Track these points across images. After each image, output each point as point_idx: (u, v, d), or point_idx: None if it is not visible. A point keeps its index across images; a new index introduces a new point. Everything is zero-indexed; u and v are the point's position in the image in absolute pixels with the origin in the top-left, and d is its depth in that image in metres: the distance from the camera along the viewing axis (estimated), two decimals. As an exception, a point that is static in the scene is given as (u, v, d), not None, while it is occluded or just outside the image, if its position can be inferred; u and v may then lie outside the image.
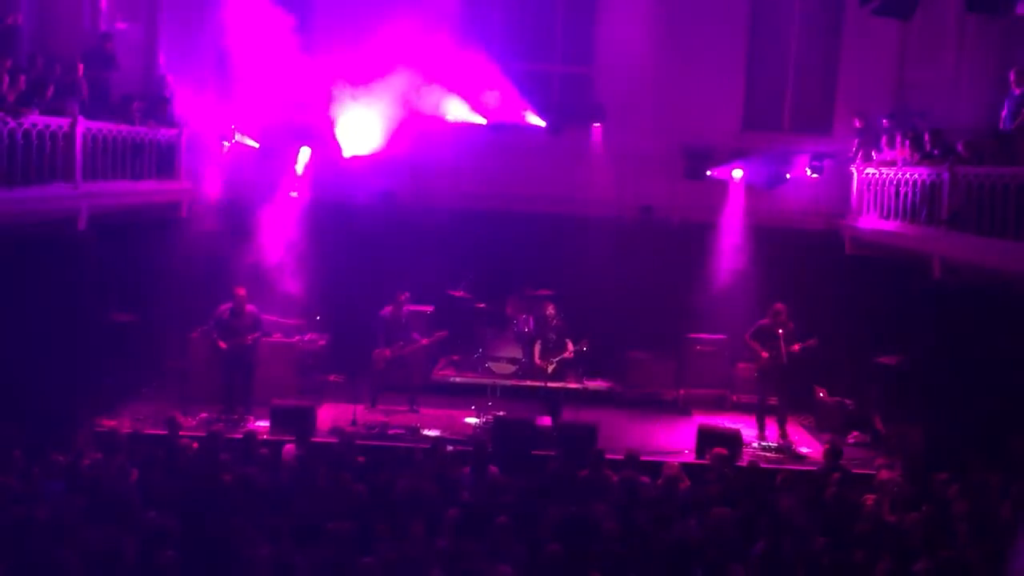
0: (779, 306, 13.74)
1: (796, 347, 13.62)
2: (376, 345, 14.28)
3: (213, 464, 10.52)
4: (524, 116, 16.02)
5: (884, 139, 14.67)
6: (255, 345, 13.76)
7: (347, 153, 15.67)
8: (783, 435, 13.66)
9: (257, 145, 15.74)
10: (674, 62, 15.92)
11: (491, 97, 15.84)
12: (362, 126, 15.57)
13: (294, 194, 15.52)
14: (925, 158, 13.17)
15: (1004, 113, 12.04)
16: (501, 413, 13.63)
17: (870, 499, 10.36)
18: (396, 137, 15.63)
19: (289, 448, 11.27)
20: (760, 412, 13.97)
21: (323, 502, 9.75)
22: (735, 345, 15.17)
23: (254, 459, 10.85)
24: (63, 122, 11.89)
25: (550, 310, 14.55)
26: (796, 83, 16.45)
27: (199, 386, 14.09)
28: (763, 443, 13.38)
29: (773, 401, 13.94)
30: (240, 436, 11.63)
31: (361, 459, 11.06)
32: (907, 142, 13.82)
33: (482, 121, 15.80)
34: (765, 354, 13.63)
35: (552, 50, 16.77)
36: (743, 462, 11.80)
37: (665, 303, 15.46)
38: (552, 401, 13.96)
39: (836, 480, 10.80)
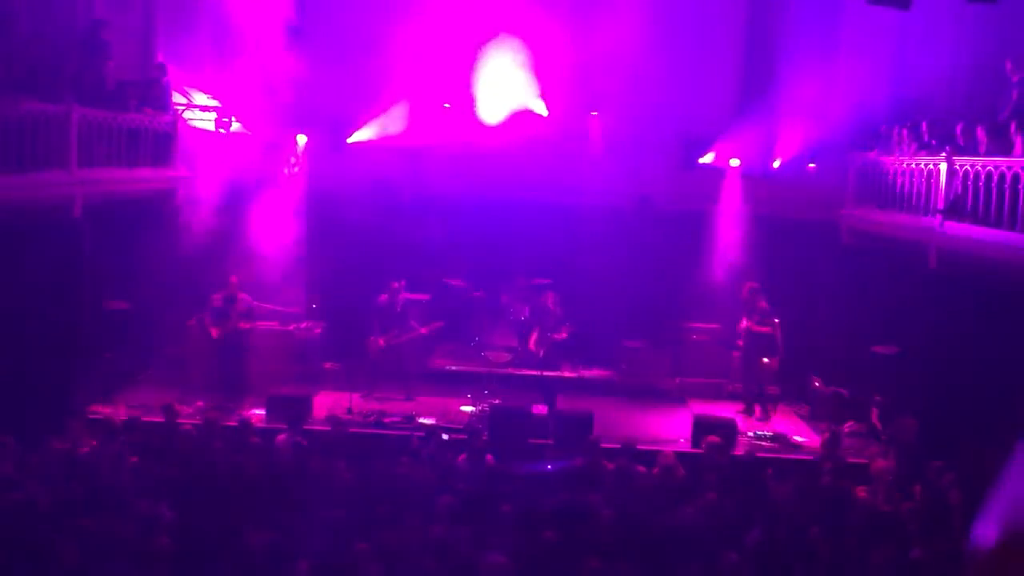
0: (750, 284, 14.25)
1: (750, 325, 14.08)
2: (372, 333, 14.28)
3: (209, 452, 10.52)
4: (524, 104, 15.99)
5: (881, 128, 14.65)
6: (248, 333, 13.74)
7: (348, 140, 15.66)
8: (764, 414, 14.11)
9: (251, 132, 15.69)
10: (672, 50, 15.86)
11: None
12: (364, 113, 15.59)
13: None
14: (922, 148, 13.16)
15: (1001, 102, 12.03)
16: (497, 401, 13.63)
17: (862, 491, 10.39)
18: (394, 126, 15.60)
19: (283, 436, 11.27)
20: (746, 392, 14.35)
21: (318, 490, 9.76)
22: (731, 334, 15.20)
23: (248, 447, 10.85)
24: (58, 109, 11.83)
25: (550, 299, 14.55)
26: (794, 71, 16.35)
27: (195, 373, 14.09)
28: (758, 432, 13.42)
29: (771, 389, 14.13)
30: (235, 424, 11.61)
31: (356, 447, 11.07)
32: (904, 131, 13.81)
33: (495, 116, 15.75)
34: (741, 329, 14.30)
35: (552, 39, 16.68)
36: (738, 451, 11.83)
37: (661, 292, 15.46)
38: (548, 390, 13.96)
39: (831, 469, 10.82)
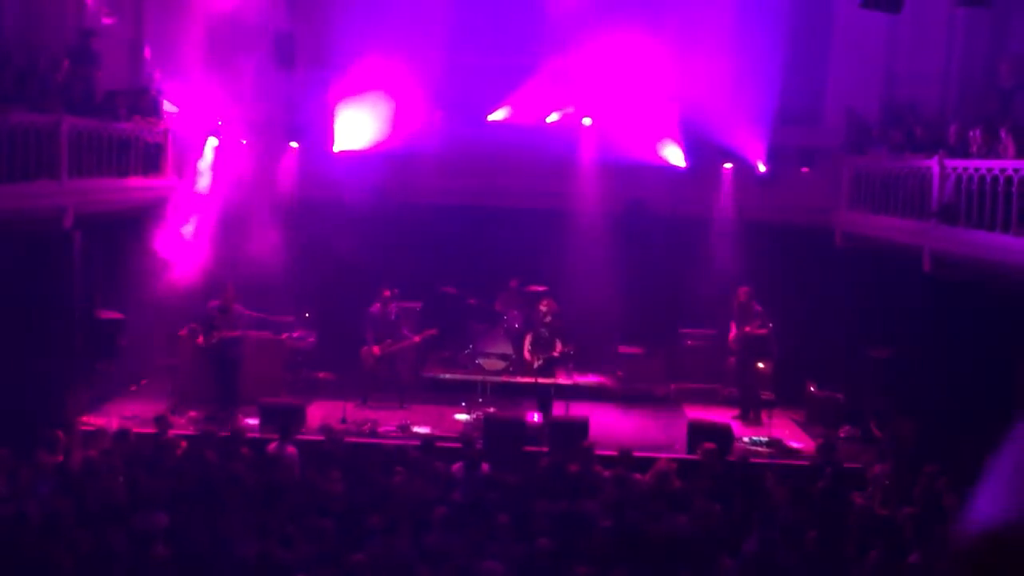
0: (745, 288, 14.27)
1: (747, 329, 14.10)
2: (365, 343, 14.21)
3: (202, 462, 10.46)
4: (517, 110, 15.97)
5: (874, 132, 14.66)
6: (240, 342, 13.65)
7: (337, 148, 15.62)
8: (756, 418, 14.02)
9: (244, 141, 15.65)
10: (665, 53, 15.84)
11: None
12: (353, 121, 15.52)
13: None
14: (915, 151, 13.17)
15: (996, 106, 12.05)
16: (491, 410, 13.58)
17: (859, 496, 10.36)
18: (385, 133, 15.57)
19: (275, 446, 11.21)
20: (742, 397, 14.34)
21: (312, 499, 9.71)
22: (726, 339, 15.18)
23: (242, 457, 10.78)
24: (48, 119, 11.78)
25: (543, 306, 14.50)
26: (786, 76, 16.35)
27: (188, 384, 13.99)
28: (753, 437, 13.37)
29: (766, 394, 14.14)
30: (228, 434, 11.55)
31: (350, 457, 11.02)
32: (897, 135, 13.82)
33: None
34: (732, 335, 14.32)
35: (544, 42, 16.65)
36: (734, 457, 11.78)
37: (656, 297, 15.43)
38: (543, 397, 13.91)
39: (828, 474, 10.79)
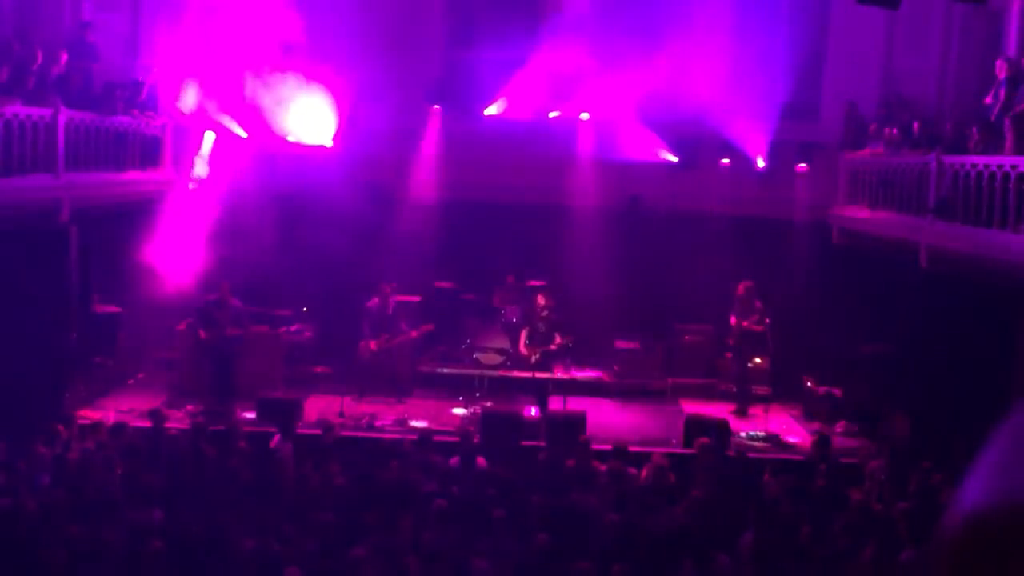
0: (747, 283, 14.21)
1: (745, 324, 14.05)
2: (363, 337, 14.21)
3: (198, 456, 10.47)
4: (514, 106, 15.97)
5: (871, 128, 14.67)
6: (238, 338, 13.65)
7: (334, 143, 15.61)
8: (740, 411, 14.05)
9: (245, 135, 15.63)
10: (661, 49, 15.83)
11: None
12: (349, 117, 15.53)
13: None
14: (912, 147, 13.18)
15: (989, 101, 12.04)
16: (489, 404, 13.59)
17: (855, 491, 10.38)
18: (380, 130, 15.56)
19: (275, 440, 11.21)
20: (739, 392, 14.30)
21: (310, 494, 9.72)
22: (723, 334, 15.19)
23: (238, 452, 10.79)
24: (45, 112, 11.76)
25: (540, 300, 14.50)
26: (784, 71, 16.34)
27: (185, 378, 14.00)
28: (750, 432, 13.39)
29: (762, 389, 14.14)
30: (224, 428, 11.55)
31: (347, 451, 11.03)
32: (894, 131, 13.83)
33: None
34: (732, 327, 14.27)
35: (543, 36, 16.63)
36: (730, 451, 11.80)
37: (653, 293, 15.44)
38: (540, 391, 13.92)
39: (824, 470, 10.81)
